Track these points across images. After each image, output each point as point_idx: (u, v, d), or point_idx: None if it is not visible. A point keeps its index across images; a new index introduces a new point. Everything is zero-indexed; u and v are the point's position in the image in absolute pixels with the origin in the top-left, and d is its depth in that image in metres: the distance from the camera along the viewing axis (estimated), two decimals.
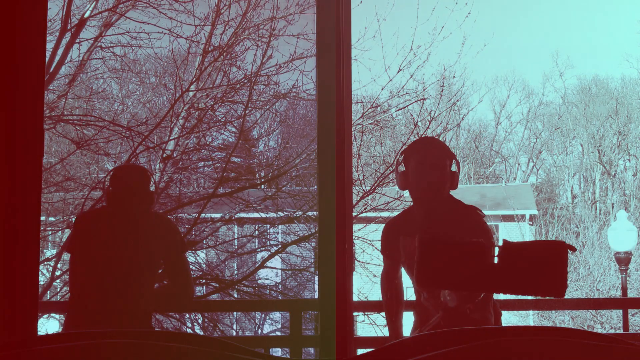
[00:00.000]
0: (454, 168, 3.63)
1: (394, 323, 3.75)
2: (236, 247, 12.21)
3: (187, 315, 11.09)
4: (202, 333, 11.24)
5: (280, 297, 11.79)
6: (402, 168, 3.63)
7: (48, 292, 9.84)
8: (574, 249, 2.84)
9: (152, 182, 4.19)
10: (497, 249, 2.81)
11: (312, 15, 10.23)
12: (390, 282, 3.77)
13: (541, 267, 2.77)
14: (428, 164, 3.54)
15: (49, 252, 10.93)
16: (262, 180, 11.74)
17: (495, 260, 2.79)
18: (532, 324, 22.37)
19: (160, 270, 4.11)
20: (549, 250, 2.81)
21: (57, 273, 9.88)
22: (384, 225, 3.84)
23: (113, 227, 4.01)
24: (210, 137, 11.47)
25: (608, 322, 21.28)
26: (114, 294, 3.86)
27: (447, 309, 3.33)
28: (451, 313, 3.35)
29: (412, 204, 3.69)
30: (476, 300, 3.21)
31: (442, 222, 3.51)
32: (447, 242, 2.86)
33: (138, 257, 3.99)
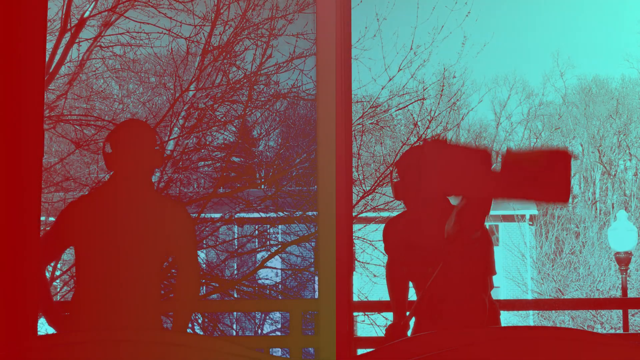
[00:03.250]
0: None
1: (400, 311, 3.75)
2: (236, 247, 12.21)
3: None
4: (202, 333, 11.24)
5: (280, 297, 11.79)
6: (396, 178, 3.64)
7: None
8: (576, 157, 2.89)
9: (157, 139, 3.72)
10: (500, 156, 2.84)
11: (312, 15, 10.23)
12: (395, 272, 3.78)
13: (544, 173, 2.79)
14: (417, 175, 3.55)
15: None
16: (262, 180, 11.74)
17: (499, 167, 2.82)
18: (532, 324, 22.38)
19: (165, 264, 3.74)
20: (552, 157, 2.83)
21: (57, 273, 9.88)
22: (384, 225, 3.84)
23: (117, 203, 3.54)
24: (210, 137, 11.48)
25: (608, 322, 21.28)
26: (118, 293, 3.46)
27: (446, 262, 3.31)
28: (450, 265, 3.33)
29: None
30: (478, 230, 3.18)
31: (435, 225, 3.53)
32: (452, 145, 2.88)
33: (146, 241, 3.57)
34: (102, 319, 3.38)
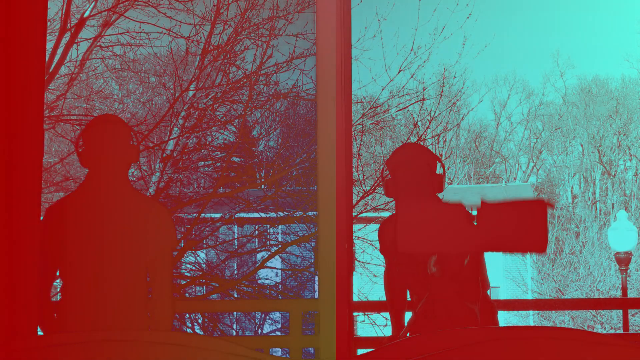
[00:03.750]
0: (439, 171, 3.62)
1: (398, 321, 3.75)
2: (236, 247, 12.21)
3: (187, 315, 11.08)
4: (202, 333, 11.24)
5: (280, 297, 11.79)
6: (387, 173, 3.65)
7: None
8: (552, 206, 2.91)
9: (132, 134, 3.63)
10: (475, 210, 2.85)
11: (312, 15, 10.22)
12: (392, 281, 3.77)
13: (521, 225, 2.82)
14: (407, 178, 3.55)
15: None
16: (262, 180, 11.74)
17: (475, 221, 2.83)
18: (532, 324, 22.37)
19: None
20: (528, 208, 2.85)
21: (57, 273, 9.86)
22: (379, 226, 3.84)
23: (93, 201, 3.42)
24: (210, 137, 11.48)
25: (608, 322, 21.28)
26: (103, 293, 3.35)
27: (433, 290, 3.32)
28: (437, 293, 3.34)
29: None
30: (461, 268, 3.20)
31: (427, 225, 3.53)
32: (427, 205, 2.89)
33: (126, 238, 3.43)
34: (88, 319, 3.32)
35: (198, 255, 11.91)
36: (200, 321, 11.34)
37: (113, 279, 3.42)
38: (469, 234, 2.83)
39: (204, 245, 11.29)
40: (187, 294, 11.45)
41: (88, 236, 3.41)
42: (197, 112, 10.76)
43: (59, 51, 9.93)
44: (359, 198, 11.46)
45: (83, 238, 3.41)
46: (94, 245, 3.43)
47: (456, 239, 2.88)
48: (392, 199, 3.72)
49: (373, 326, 11.89)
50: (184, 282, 10.65)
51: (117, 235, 3.46)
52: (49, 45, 9.64)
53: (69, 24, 9.81)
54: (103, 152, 3.48)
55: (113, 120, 3.76)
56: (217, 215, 11.40)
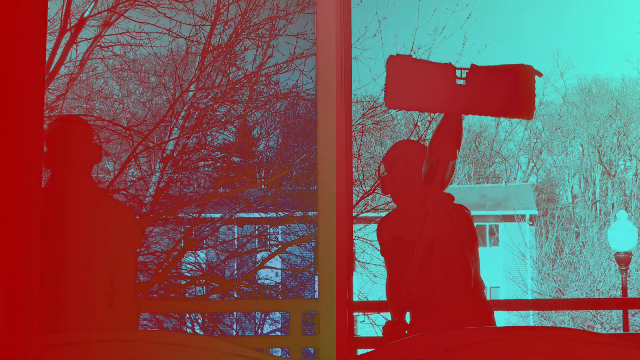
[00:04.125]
0: None
1: (396, 309, 3.74)
2: (236, 247, 12.21)
3: (187, 315, 11.08)
4: (202, 333, 11.24)
5: (280, 297, 11.79)
6: (384, 170, 3.65)
7: None
8: (540, 74, 2.92)
9: (94, 135, 3.55)
10: (464, 72, 2.87)
11: (312, 15, 10.22)
12: (395, 292, 3.73)
13: (508, 88, 2.85)
14: (404, 174, 3.56)
15: None
16: (262, 180, 11.75)
17: (464, 82, 2.85)
18: (532, 324, 22.37)
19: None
20: (516, 72, 2.88)
21: None
22: (377, 225, 3.83)
23: (56, 203, 3.40)
24: (210, 137, 11.48)
25: (608, 322, 21.28)
26: (74, 294, 3.33)
27: (429, 206, 3.29)
28: (434, 219, 3.32)
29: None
30: (453, 158, 3.18)
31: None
32: (417, 60, 2.91)
33: (91, 239, 3.42)
34: (51, 319, 3.30)
35: (198, 255, 11.91)
36: (200, 321, 11.34)
37: (75, 280, 3.38)
38: (458, 92, 2.86)
39: (204, 245, 11.30)
40: (187, 294, 11.45)
41: (50, 237, 3.36)
42: (197, 112, 10.76)
43: (59, 51, 9.94)
44: (359, 198, 11.46)
45: (45, 239, 3.26)
46: (56, 246, 3.39)
47: (444, 97, 2.90)
48: (390, 198, 3.71)
49: (373, 326, 11.89)
50: (184, 282, 10.65)
51: (79, 235, 3.43)
52: (49, 45, 9.64)
53: (69, 24, 9.81)
54: (64, 154, 3.44)
55: (74, 121, 3.64)
56: (217, 215, 11.40)
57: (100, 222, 3.46)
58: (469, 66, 2.93)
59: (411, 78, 2.88)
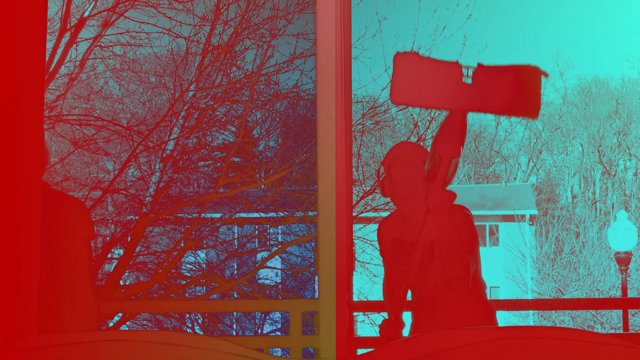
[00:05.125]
0: None
1: (393, 307, 3.75)
2: (236, 247, 12.21)
3: (187, 315, 11.08)
4: (202, 333, 11.24)
5: (280, 297, 11.79)
6: (383, 172, 3.66)
7: None
8: (546, 74, 2.90)
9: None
10: (471, 71, 2.87)
11: (312, 15, 10.22)
12: (392, 292, 3.74)
13: (514, 87, 2.84)
14: (402, 176, 3.56)
15: None
16: (262, 180, 11.75)
17: (470, 80, 2.84)
18: (532, 324, 22.37)
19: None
20: (523, 72, 2.87)
21: None
22: (377, 226, 3.83)
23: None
24: (210, 137, 11.48)
25: (608, 322, 21.28)
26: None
27: (430, 203, 3.29)
28: (436, 213, 3.33)
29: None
30: (457, 155, 3.18)
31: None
32: (423, 58, 2.91)
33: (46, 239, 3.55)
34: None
35: (198, 255, 11.91)
36: (200, 321, 11.34)
37: (33, 281, 3.39)
38: (464, 91, 2.85)
39: (204, 245, 11.30)
40: (187, 294, 11.46)
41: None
42: (197, 112, 10.76)
43: (59, 51, 9.93)
44: (359, 198, 11.46)
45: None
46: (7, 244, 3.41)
47: (450, 96, 2.90)
48: (390, 199, 3.71)
49: (373, 326, 11.89)
50: (184, 282, 10.65)
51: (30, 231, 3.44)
52: (49, 45, 9.64)
53: (69, 24, 9.80)
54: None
55: None
56: (217, 215, 11.40)
57: (50, 218, 3.42)
58: (474, 65, 2.93)
59: (417, 75, 2.88)
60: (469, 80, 2.87)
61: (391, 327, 3.53)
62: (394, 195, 3.61)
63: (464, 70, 2.90)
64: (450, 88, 2.90)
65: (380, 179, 3.66)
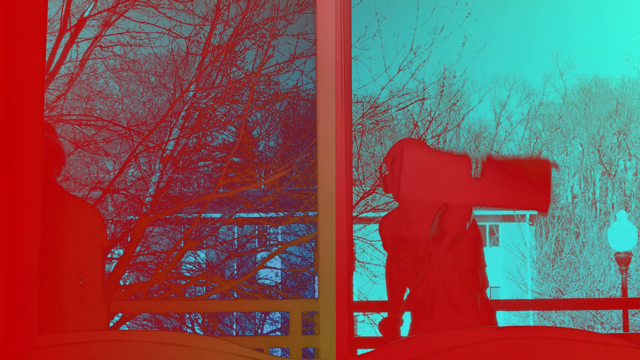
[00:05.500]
0: None
1: (394, 305, 3.78)
2: (236, 247, 12.21)
3: (187, 315, 11.08)
4: (202, 333, 11.24)
5: (280, 297, 11.79)
6: (385, 169, 3.69)
7: None
8: (557, 167, 2.88)
9: (56, 138, 3.63)
10: (480, 164, 2.85)
11: (312, 15, 10.22)
12: (393, 274, 3.79)
13: (524, 182, 2.81)
14: (402, 166, 3.60)
15: None
16: (262, 180, 11.74)
17: (479, 174, 2.82)
18: (532, 324, 22.36)
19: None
20: (532, 166, 2.85)
21: None
22: (380, 220, 3.88)
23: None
24: (210, 137, 11.47)
25: (608, 322, 21.28)
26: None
27: (433, 260, 3.33)
28: (438, 264, 3.36)
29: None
30: (462, 233, 3.20)
31: (424, 220, 3.58)
32: (432, 151, 2.90)
33: (56, 245, 3.51)
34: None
35: (198, 255, 11.91)
36: (200, 321, 11.34)
37: (44, 283, 3.43)
38: (473, 186, 2.84)
39: (204, 245, 11.29)
40: (187, 294, 11.45)
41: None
42: (197, 112, 10.76)
43: (59, 51, 9.93)
44: (359, 198, 11.46)
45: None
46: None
47: (459, 190, 2.88)
48: (392, 199, 3.73)
49: (373, 326, 11.89)
50: (184, 282, 10.65)
51: (47, 237, 3.48)
52: (49, 45, 9.64)
53: (69, 24, 9.80)
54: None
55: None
56: (217, 215, 11.39)
57: (65, 223, 3.54)
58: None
59: (427, 169, 2.87)
60: (479, 175, 2.84)
61: (390, 325, 3.54)
62: (396, 191, 3.63)
63: (474, 164, 2.88)
64: (459, 183, 2.87)
65: (384, 175, 3.68)
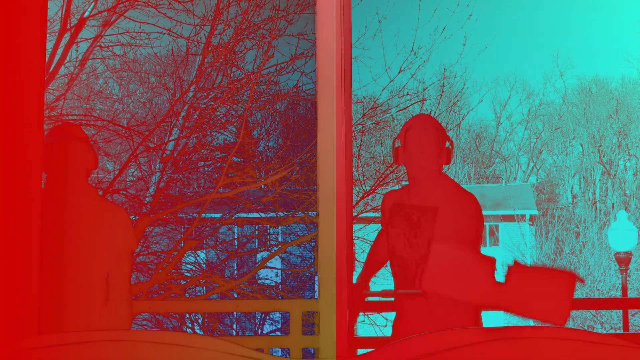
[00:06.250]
0: (448, 145, 3.72)
1: (366, 271, 3.84)
2: (236, 247, 12.21)
3: (187, 315, 11.08)
4: (202, 333, 11.24)
5: (280, 297, 11.79)
6: (398, 143, 3.74)
7: None
8: (582, 281, 2.86)
9: (89, 144, 3.72)
10: (507, 268, 2.84)
11: (312, 15, 10.22)
12: (380, 241, 3.85)
13: (547, 293, 2.79)
14: (417, 140, 3.63)
15: None
16: (262, 180, 11.74)
17: (503, 279, 2.81)
18: (532, 324, 22.34)
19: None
20: (558, 277, 2.83)
21: None
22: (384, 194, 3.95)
23: (52, 208, 3.57)
24: (210, 137, 11.47)
25: (608, 322, 21.28)
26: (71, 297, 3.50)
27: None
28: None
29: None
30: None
31: (430, 198, 3.60)
32: (461, 250, 2.92)
33: (87, 244, 3.59)
34: (48, 319, 3.43)
35: (198, 255, 11.90)
36: (200, 321, 11.34)
37: (73, 281, 3.55)
38: (496, 288, 2.83)
39: (204, 245, 11.29)
40: (187, 294, 11.45)
41: (48, 239, 3.50)
42: (197, 113, 10.76)
43: (59, 51, 9.93)
44: (359, 198, 11.46)
45: (44, 242, 3.36)
46: (55, 247, 3.55)
47: (481, 293, 2.88)
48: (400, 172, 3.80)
49: (373, 326, 11.88)
50: (184, 282, 10.65)
51: (77, 237, 3.60)
52: (49, 45, 9.64)
53: (69, 24, 9.80)
54: (62, 161, 3.66)
55: (72, 130, 3.79)
56: (217, 215, 11.39)
57: (98, 224, 3.63)
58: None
59: (452, 266, 2.88)
60: (503, 279, 2.84)
61: (357, 292, 3.65)
62: (407, 158, 3.66)
63: (499, 268, 2.88)
64: (483, 285, 2.87)
65: (396, 148, 3.74)
